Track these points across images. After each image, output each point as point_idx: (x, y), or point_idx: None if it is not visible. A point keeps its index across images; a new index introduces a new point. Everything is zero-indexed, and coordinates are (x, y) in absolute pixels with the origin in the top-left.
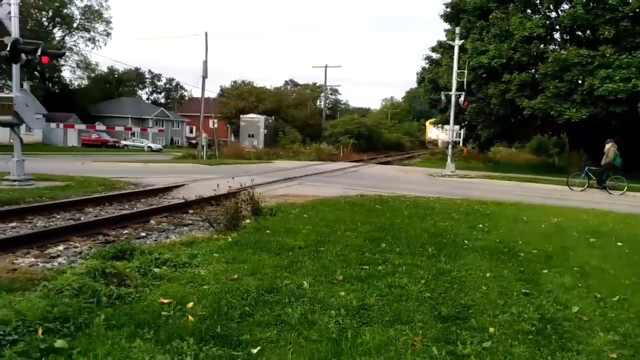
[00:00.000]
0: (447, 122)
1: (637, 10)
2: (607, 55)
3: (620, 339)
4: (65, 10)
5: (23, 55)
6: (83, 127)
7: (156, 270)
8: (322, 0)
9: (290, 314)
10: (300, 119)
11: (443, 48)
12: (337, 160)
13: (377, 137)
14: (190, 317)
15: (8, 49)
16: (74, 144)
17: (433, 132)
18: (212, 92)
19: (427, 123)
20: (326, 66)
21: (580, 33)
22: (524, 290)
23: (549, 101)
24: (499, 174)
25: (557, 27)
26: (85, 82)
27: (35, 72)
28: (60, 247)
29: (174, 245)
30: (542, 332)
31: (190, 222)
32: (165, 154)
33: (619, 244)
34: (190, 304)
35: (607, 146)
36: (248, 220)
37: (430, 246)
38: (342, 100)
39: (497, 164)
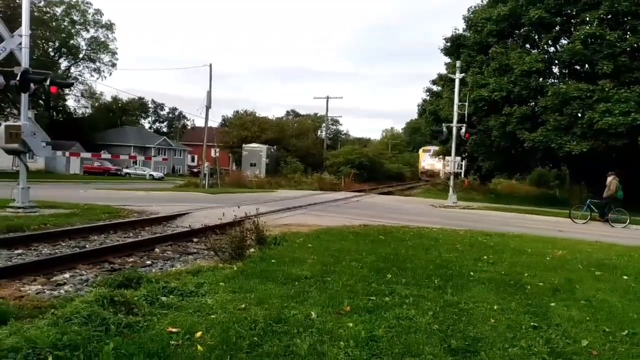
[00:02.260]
0: (448, 154)
1: (635, 45)
2: (606, 89)
3: None
4: (71, 41)
5: (32, 85)
6: (88, 155)
7: (163, 299)
8: (322, 32)
9: (299, 344)
10: (302, 149)
11: (444, 81)
12: (338, 190)
13: (378, 167)
14: (199, 347)
15: (18, 78)
16: (76, 172)
17: (427, 162)
18: (214, 121)
19: (421, 151)
20: (327, 97)
21: (578, 67)
22: (532, 324)
23: (549, 134)
24: (500, 206)
25: (556, 61)
26: (89, 111)
27: (40, 101)
28: (67, 275)
29: (180, 273)
30: None
31: (195, 250)
32: (167, 182)
33: (625, 277)
34: (199, 334)
35: (609, 179)
36: (253, 250)
37: (436, 277)
38: (343, 131)
39: (498, 195)
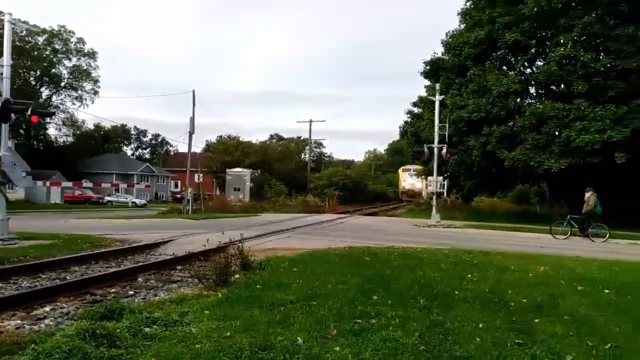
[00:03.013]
0: (431, 174)
1: (608, 65)
2: (582, 108)
3: None
4: (53, 70)
5: (13, 115)
6: (69, 184)
7: (147, 329)
8: (303, 58)
9: None
10: (286, 172)
11: (424, 103)
12: (323, 212)
13: (361, 188)
14: None
15: None
16: (57, 201)
17: (408, 181)
18: (197, 146)
19: (400, 170)
20: (310, 121)
21: (554, 87)
22: (517, 341)
23: (528, 152)
24: (483, 224)
25: (533, 82)
26: (71, 139)
27: (20, 130)
28: (47, 308)
29: (163, 303)
30: None
31: (179, 278)
32: (150, 209)
33: (606, 291)
34: None
35: (587, 195)
36: (238, 275)
37: (422, 298)
38: (326, 153)
39: (480, 214)
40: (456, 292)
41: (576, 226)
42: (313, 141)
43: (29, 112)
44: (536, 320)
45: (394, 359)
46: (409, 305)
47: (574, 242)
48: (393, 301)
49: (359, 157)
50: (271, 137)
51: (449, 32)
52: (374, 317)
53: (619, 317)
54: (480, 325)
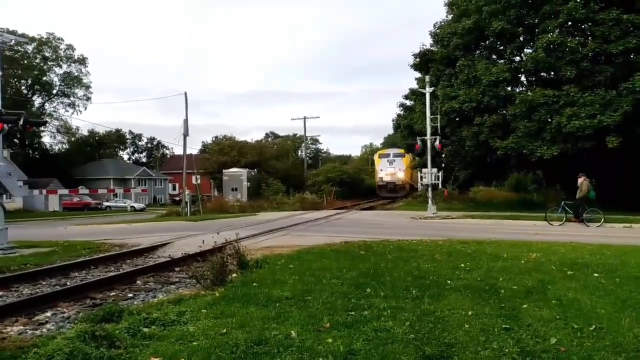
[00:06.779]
0: (425, 166)
1: (596, 50)
2: (571, 94)
3: None
4: (44, 78)
5: (5, 126)
6: (65, 191)
7: (145, 329)
8: (294, 55)
9: None
10: (283, 170)
11: (415, 95)
12: (321, 209)
13: (359, 183)
14: None
15: None
16: (55, 209)
17: (386, 171)
18: (193, 148)
19: (376, 157)
20: (305, 117)
21: (544, 74)
22: (504, 326)
23: (520, 140)
24: (479, 213)
25: (522, 70)
26: (66, 146)
27: (15, 139)
28: (48, 314)
29: (161, 304)
30: None
31: (177, 280)
32: (149, 212)
33: (595, 275)
34: None
35: (580, 180)
36: (235, 274)
37: (414, 288)
38: (322, 149)
39: (477, 204)
40: (448, 282)
41: (571, 212)
42: (309, 138)
43: (21, 122)
44: (524, 306)
45: (384, 348)
46: (401, 296)
47: (568, 228)
48: (386, 293)
49: (356, 151)
50: (267, 135)
51: (436, 23)
52: (367, 309)
53: (605, 299)
54: (470, 313)
